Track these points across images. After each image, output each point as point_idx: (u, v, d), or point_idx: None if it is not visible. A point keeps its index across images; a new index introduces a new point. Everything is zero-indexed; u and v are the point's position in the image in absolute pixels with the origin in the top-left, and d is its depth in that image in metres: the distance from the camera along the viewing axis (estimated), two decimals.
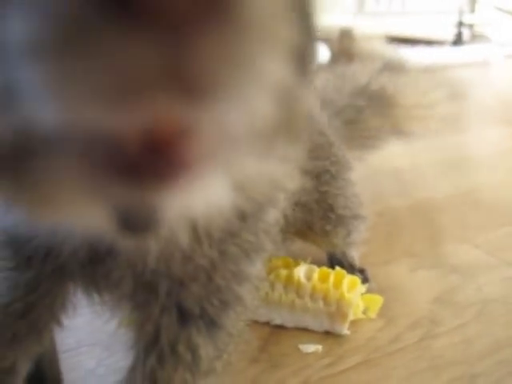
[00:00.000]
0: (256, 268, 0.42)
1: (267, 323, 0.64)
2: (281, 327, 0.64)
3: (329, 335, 0.63)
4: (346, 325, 0.63)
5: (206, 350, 0.42)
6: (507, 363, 0.57)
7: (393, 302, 0.68)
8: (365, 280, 0.71)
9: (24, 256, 0.35)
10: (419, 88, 0.96)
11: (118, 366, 0.51)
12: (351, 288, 0.63)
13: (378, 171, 1.08)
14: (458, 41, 2.55)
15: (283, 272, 0.64)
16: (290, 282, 0.63)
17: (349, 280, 0.63)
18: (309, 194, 0.65)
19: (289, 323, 0.64)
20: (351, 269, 0.73)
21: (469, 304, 0.68)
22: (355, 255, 0.75)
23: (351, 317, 0.63)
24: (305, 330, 0.64)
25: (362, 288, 0.65)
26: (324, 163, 0.67)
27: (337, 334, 0.63)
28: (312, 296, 0.63)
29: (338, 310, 0.62)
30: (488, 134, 1.48)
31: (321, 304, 0.62)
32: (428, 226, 0.90)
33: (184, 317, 0.42)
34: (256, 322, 0.58)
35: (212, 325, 0.42)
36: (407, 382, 0.55)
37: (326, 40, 2.33)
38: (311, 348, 0.61)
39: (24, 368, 0.43)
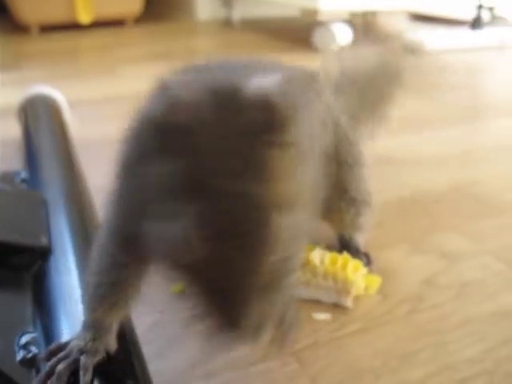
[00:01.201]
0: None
1: None
2: (298, 299, 0.74)
3: (336, 307, 0.73)
4: (350, 299, 0.73)
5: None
6: (472, 335, 0.69)
7: (389, 282, 0.79)
8: (368, 262, 0.81)
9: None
10: (421, 72, 1.04)
11: None
12: (355, 270, 0.74)
13: (382, 163, 1.16)
14: (476, 23, 2.52)
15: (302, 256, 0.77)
16: (306, 264, 0.74)
17: (353, 264, 0.75)
18: (329, 177, 0.77)
19: (305, 296, 0.74)
20: (357, 252, 0.81)
21: (449, 286, 0.78)
22: (361, 240, 0.84)
23: (354, 293, 0.74)
24: (317, 302, 0.74)
25: (364, 270, 0.76)
26: (345, 155, 0.76)
27: (342, 306, 0.73)
28: (324, 276, 0.74)
29: (343, 288, 0.73)
30: (495, 126, 1.53)
31: (330, 282, 0.73)
32: (425, 215, 0.99)
33: None
34: None
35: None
36: (393, 345, 0.67)
37: (349, 21, 2.38)
38: (322, 316, 0.72)
39: (116, 328, 0.53)
